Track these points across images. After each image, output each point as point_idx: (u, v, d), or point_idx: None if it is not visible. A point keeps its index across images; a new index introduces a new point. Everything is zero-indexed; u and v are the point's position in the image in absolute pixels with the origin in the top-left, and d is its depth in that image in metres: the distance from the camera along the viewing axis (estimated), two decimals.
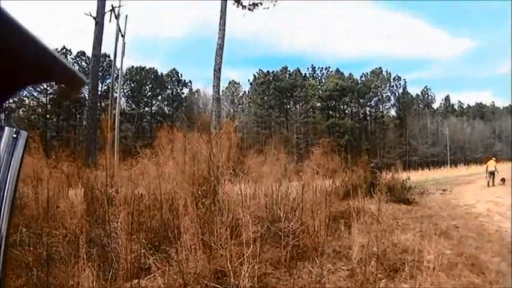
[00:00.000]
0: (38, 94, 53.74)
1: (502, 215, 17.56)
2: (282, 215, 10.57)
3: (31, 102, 53.82)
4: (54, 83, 0.97)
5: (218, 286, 8.09)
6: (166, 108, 64.66)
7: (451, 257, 9.81)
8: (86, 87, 40.01)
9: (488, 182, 32.40)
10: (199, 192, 10.94)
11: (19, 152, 1.49)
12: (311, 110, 69.73)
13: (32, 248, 9.35)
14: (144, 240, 9.48)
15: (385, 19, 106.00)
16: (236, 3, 27.90)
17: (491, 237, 12.87)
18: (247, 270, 7.86)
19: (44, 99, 54.51)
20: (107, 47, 35.11)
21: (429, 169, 55.78)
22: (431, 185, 31.89)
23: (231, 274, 7.93)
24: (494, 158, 34.76)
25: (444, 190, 28.39)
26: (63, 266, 8.34)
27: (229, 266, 7.98)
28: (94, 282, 7.56)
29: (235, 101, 70.90)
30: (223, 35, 25.59)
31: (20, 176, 1.45)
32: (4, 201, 1.45)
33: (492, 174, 32.83)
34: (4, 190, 1.42)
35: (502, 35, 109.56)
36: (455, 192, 27.79)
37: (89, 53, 40.93)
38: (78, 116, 54.87)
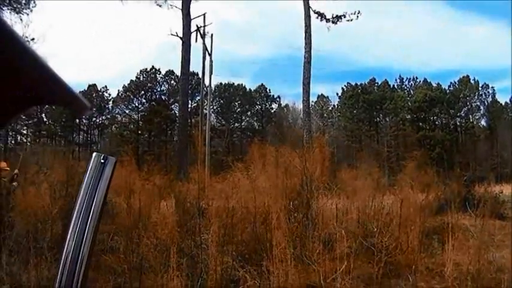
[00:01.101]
0: (129, 111, 55.69)
1: None
2: (375, 230, 10.38)
3: (123, 119, 55.69)
4: (57, 106, 0.98)
5: None
6: (255, 123, 65.07)
7: None
8: (177, 104, 40.99)
9: None
10: (292, 206, 10.93)
11: (107, 176, 1.58)
12: (401, 122, 68.37)
13: (123, 255, 9.63)
14: (234, 253, 9.56)
15: (468, 25, 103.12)
16: (320, 17, 27.86)
17: None
18: (339, 286, 7.77)
19: (135, 116, 56.31)
20: (195, 66, 35.88)
21: None
22: None
23: None
24: None
25: None
26: (153, 275, 8.55)
27: (321, 281, 7.92)
28: None
29: (325, 115, 70.50)
30: (310, 49, 25.62)
31: (106, 200, 1.51)
32: (89, 223, 1.53)
33: None
34: (90, 212, 1.52)
35: None
36: None
37: (177, 71, 42.04)
38: (169, 132, 56.24)
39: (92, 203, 1.50)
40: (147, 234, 10.05)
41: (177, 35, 28.68)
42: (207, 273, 8.86)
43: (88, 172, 1.53)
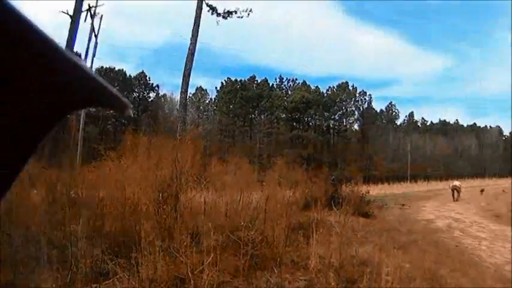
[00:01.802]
0: None
1: (462, 231, 18.00)
2: (242, 224, 10.64)
3: None
4: (102, 106, 1.00)
5: None
6: (131, 111, 64.16)
7: (410, 270, 9.95)
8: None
9: (453, 198, 33.21)
10: (162, 198, 10.94)
11: None
12: (275, 120, 69.95)
13: None
14: (104, 245, 9.46)
15: (355, 35, 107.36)
16: (211, 10, 27.89)
17: (451, 253, 13.18)
18: (206, 278, 7.91)
19: None
20: (80, 46, 34.77)
21: (389, 184, 56.42)
22: (390, 199, 32.44)
23: (191, 281, 7.98)
24: (459, 182, 35.69)
25: (403, 205, 28.96)
26: (24, 267, 8.30)
27: (189, 273, 8.03)
28: (53, 285, 7.52)
29: (201, 108, 70.66)
30: (196, 40, 25.53)
31: None
32: None
33: (456, 190, 33.68)
34: None
35: (470, 58, 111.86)
36: (414, 208, 28.34)
37: None
38: None
39: None
40: (16, 225, 9.72)
41: (67, 13, 27.62)
42: (76, 266, 8.71)
43: None
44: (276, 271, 9.06)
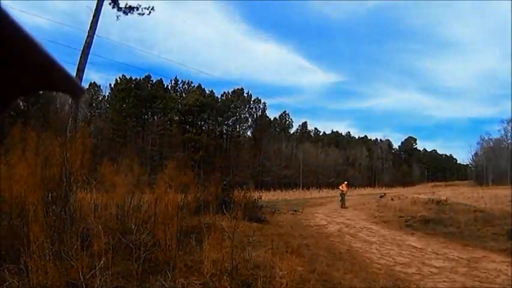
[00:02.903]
0: None
1: (352, 235, 18.65)
2: (133, 227, 10.52)
3: None
4: (55, 91, 0.94)
5: None
6: (21, 103, 61.29)
7: (303, 273, 10.25)
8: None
9: (341, 204, 34.26)
10: (50, 198, 10.61)
11: None
12: (169, 122, 69.58)
13: None
14: None
15: (252, 44, 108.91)
16: (112, 4, 27.19)
17: (343, 256, 13.64)
18: (99, 283, 7.73)
19: None
20: None
21: (281, 190, 57.54)
22: (283, 205, 33.19)
23: (83, 286, 7.78)
24: (346, 182, 36.63)
25: (295, 211, 29.60)
26: None
27: (81, 278, 7.81)
28: None
29: (94, 104, 69.03)
30: (94, 33, 24.80)
31: None
32: None
33: (343, 197, 34.80)
34: None
35: (362, 75, 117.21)
36: (306, 213, 29.08)
37: None
38: None
39: None
40: None
41: None
42: None
43: None
44: (169, 275, 8.98)
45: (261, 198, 23.69)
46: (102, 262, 8.06)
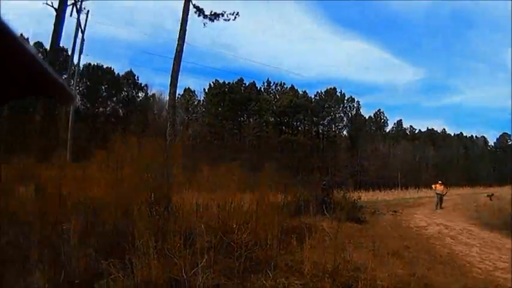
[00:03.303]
0: None
1: (452, 238, 17.95)
2: (235, 226, 10.51)
3: None
4: (44, 96, 0.91)
5: None
6: (121, 110, 63.53)
7: (404, 276, 9.83)
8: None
9: (437, 205, 33.03)
10: (153, 198, 10.85)
11: None
12: (264, 124, 69.83)
13: None
14: (97, 245, 9.34)
15: (341, 42, 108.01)
16: (198, 12, 27.74)
17: (443, 259, 13.13)
18: (201, 280, 7.79)
19: None
20: (66, 42, 34.54)
21: (380, 190, 56.40)
22: (382, 205, 32.35)
23: (185, 283, 7.86)
24: (440, 182, 35.23)
25: (395, 211, 28.79)
26: (13, 266, 8.16)
27: (183, 274, 7.91)
28: (46, 285, 7.40)
29: (190, 109, 70.41)
30: (183, 41, 25.36)
31: None
32: None
33: (440, 197, 33.54)
34: None
35: (454, 70, 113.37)
36: (406, 214, 28.21)
37: (46, 45, 40.26)
38: (31, 110, 53.57)
39: None
40: (5, 223, 9.61)
41: (52, 6, 27.26)
42: (70, 265, 8.57)
43: None
44: (270, 274, 8.94)
45: (360, 199, 23.26)
46: (204, 260, 8.13)
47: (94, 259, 8.66)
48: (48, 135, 23.50)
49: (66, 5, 27.25)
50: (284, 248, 11.00)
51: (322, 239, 11.28)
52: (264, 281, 8.68)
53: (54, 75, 0.84)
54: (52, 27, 27.21)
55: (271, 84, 76.86)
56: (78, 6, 29.95)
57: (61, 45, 32.69)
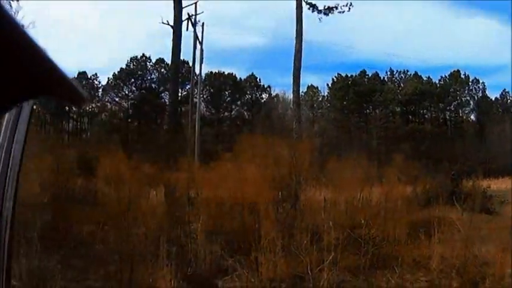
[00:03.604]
0: (119, 99, 55.32)
1: None
2: (362, 221, 10.41)
3: (113, 107, 55.36)
4: (57, 98, 0.95)
5: None
6: (245, 113, 64.54)
7: None
8: (167, 92, 41.00)
9: None
10: (281, 196, 10.95)
11: (24, 122, 1.49)
12: (391, 114, 68.44)
13: (113, 245, 9.65)
14: (223, 242, 9.61)
15: (462, 18, 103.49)
16: (311, 8, 27.77)
17: None
18: (326, 277, 7.79)
19: (125, 104, 55.94)
20: (185, 55, 35.90)
21: (510, 177, 53.33)
22: None
23: (310, 280, 7.90)
24: None
25: None
26: (143, 263, 8.58)
27: (309, 271, 7.96)
28: (172, 280, 7.70)
29: (315, 105, 70.27)
30: (301, 39, 25.44)
31: (25, 148, 1.46)
32: (9, 175, 1.44)
33: None
34: (9, 164, 1.45)
35: None
36: None
37: (168, 60, 41.96)
38: (159, 120, 55.84)
39: (11, 154, 1.42)
40: (136, 224, 10.10)
41: (168, 23, 28.46)
42: (196, 262, 8.91)
43: (6, 119, 1.43)
44: (397, 271, 8.79)
45: (489, 187, 22.18)
46: (330, 257, 8.12)
47: (220, 256, 8.93)
48: (176, 142, 24.43)
49: (181, 21, 28.29)
50: (412, 242, 10.68)
51: (450, 232, 10.89)
52: (390, 277, 8.56)
53: (67, 76, 0.87)
54: (171, 43, 28.48)
55: (394, 73, 75.22)
56: (192, 21, 31.00)
57: (182, 58, 34.07)
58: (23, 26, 0.74)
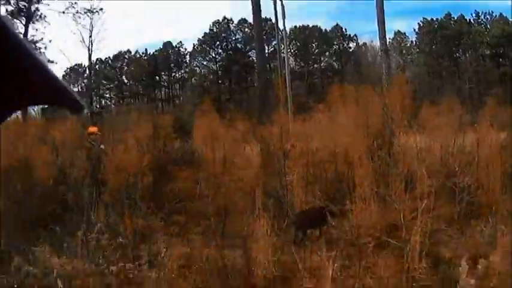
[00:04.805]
0: (207, 63, 56.04)
1: None
2: (456, 169, 10.29)
3: (202, 70, 56.14)
4: (54, 106, 1.06)
5: (390, 240, 8.24)
6: (334, 63, 63.79)
7: None
8: (253, 51, 41.23)
9: None
10: (374, 144, 10.97)
11: None
12: (481, 58, 65.83)
13: (210, 200, 10.15)
14: (318, 192, 9.87)
15: None
16: None
17: None
18: (419, 225, 7.79)
19: (214, 67, 56.61)
20: (266, 12, 35.97)
21: None
22: None
23: (403, 228, 8.00)
24: None
25: None
26: (239, 216, 8.98)
27: (401, 219, 8.05)
28: (268, 231, 8.00)
29: (403, 51, 68.60)
30: None
31: None
32: None
33: None
34: None
35: None
36: None
37: (250, 19, 42.09)
38: (249, 78, 56.12)
39: None
40: (233, 179, 10.51)
41: None
42: (292, 212, 9.25)
43: None
44: (491, 221, 8.73)
45: None
46: (424, 205, 8.10)
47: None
48: (268, 98, 24.68)
49: None
50: (507, 191, 10.41)
51: None
52: (484, 228, 8.52)
53: (64, 85, 0.90)
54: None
55: (480, 15, 71.96)
56: None
57: (264, 16, 34.04)
58: (23, 38, 0.82)
